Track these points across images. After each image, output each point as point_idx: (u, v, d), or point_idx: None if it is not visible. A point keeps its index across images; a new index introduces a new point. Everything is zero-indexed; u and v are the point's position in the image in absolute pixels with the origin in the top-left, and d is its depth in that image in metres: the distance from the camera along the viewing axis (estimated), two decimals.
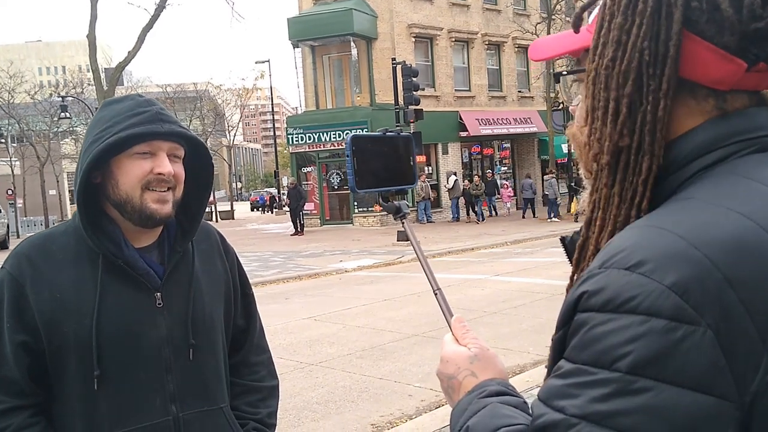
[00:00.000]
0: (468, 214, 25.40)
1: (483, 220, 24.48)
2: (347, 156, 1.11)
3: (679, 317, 0.63)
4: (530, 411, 0.77)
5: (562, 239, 0.95)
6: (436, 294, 1.08)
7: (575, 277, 0.85)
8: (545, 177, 25.53)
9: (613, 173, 0.78)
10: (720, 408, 0.63)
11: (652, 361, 0.63)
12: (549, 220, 22.76)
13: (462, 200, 25.05)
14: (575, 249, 0.86)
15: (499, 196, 26.71)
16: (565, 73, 0.91)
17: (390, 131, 1.19)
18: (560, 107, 25.99)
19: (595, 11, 0.83)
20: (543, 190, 26.34)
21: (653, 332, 0.63)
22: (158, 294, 1.51)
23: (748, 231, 0.67)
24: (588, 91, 0.81)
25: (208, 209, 1.51)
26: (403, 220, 1.16)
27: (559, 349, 0.73)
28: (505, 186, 27.46)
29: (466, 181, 25.66)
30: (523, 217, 25.02)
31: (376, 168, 1.16)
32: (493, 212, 26.42)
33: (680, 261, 0.65)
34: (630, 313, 0.65)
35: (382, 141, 1.18)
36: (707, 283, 0.64)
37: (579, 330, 0.69)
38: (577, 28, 0.86)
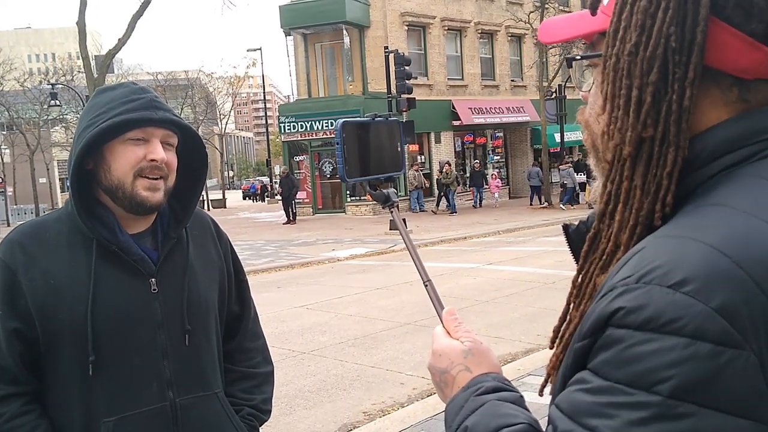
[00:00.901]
0: (437, 204, 24.25)
1: (455, 212, 23.41)
2: (337, 144, 1.09)
3: (725, 342, 0.61)
4: (531, 409, 0.75)
5: (565, 227, 0.92)
6: (426, 285, 1.06)
7: (585, 272, 0.81)
8: (561, 167, 24.40)
9: (634, 165, 0.75)
10: (758, 431, 0.61)
11: (696, 385, 0.61)
12: (563, 207, 22.85)
13: (458, 189, 25.00)
14: (583, 240, 0.83)
15: (486, 187, 26.16)
16: (578, 57, 0.87)
17: (379, 116, 1.16)
18: (553, 96, 25.98)
19: None
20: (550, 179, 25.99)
21: (698, 356, 0.61)
22: (153, 279, 1.51)
23: None
24: (607, 78, 0.77)
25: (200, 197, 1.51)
26: (392, 209, 1.14)
27: (581, 359, 0.70)
28: (494, 176, 26.70)
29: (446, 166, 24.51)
30: (531, 204, 25.12)
31: (364, 156, 1.13)
32: (479, 203, 25.68)
33: (726, 282, 0.63)
34: (673, 335, 0.62)
35: (370, 127, 1.15)
36: (753, 306, 0.62)
37: (613, 346, 0.65)
38: (595, 9, 0.81)
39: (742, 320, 0.61)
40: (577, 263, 0.84)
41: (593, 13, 0.82)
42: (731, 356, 0.61)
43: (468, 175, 27.30)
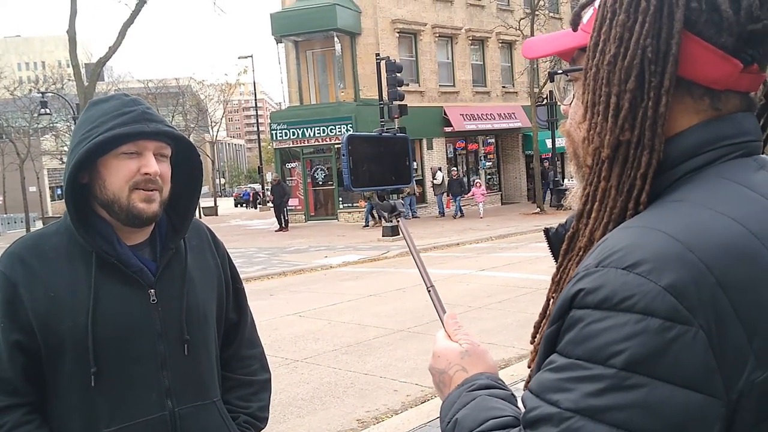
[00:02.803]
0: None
1: (411, 217, 22.32)
2: (343, 155, 1.13)
3: (674, 318, 0.66)
4: (520, 403, 0.79)
5: (546, 231, 0.98)
6: (429, 290, 1.10)
7: (563, 269, 0.86)
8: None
9: (611, 166, 0.80)
10: (709, 405, 0.65)
11: (646, 358, 0.65)
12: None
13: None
14: (561, 241, 0.88)
15: (465, 195, 24.57)
16: (560, 71, 0.92)
17: (386, 132, 1.23)
18: (544, 102, 26.12)
19: (590, 13, 0.85)
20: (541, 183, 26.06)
21: (648, 331, 0.66)
22: (152, 290, 1.53)
23: (740, 236, 0.70)
24: (587, 88, 0.82)
25: None
26: (399, 219, 1.18)
27: (551, 343, 0.74)
28: (477, 184, 24.98)
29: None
30: (551, 206, 24.74)
31: (371, 167, 1.18)
32: (459, 213, 24.05)
33: (676, 263, 0.67)
34: (626, 312, 0.67)
35: (378, 141, 1.21)
36: (701, 286, 0.66)
37: (574, 326, 0.70)
38: (576, 26, 0.87)
39: (690, 298, 0.66)
40: (557, 263, 0.89)
41: (574, 29, 0.87)
42: (679, 331, 0.65)
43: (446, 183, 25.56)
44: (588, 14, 0.86)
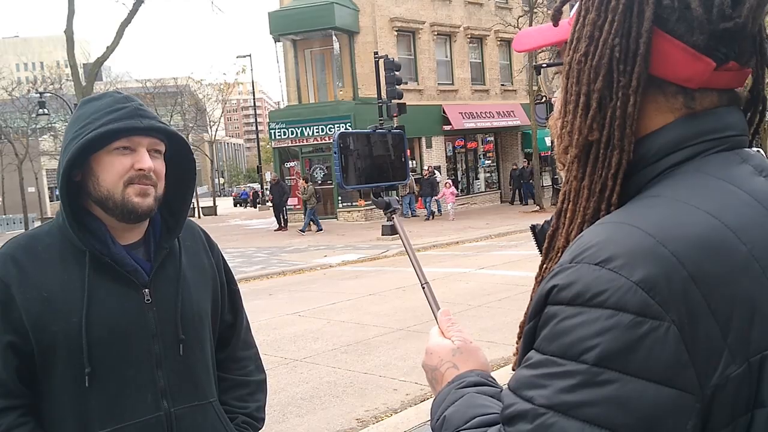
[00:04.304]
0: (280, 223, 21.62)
1: (321, 229, 21.04)
2: (334, 153, 1.12)
3: (645, 312, 0.65)
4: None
5: (533, 227, 0.98)
6: (423, 287, 1.09)
7: (544, 267, 0.86)
8: None
9: (583, 166, 0.79)
10: (682, 400, 0.65)
11: (618, 353, 0.65)
12: None
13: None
14: (545, 238, 0.88)
15: (437, 197, 23.32)
16: (545, 65, 0.92)
17: (380, 128, 1.20)
18: (543, 100, 26.10)
19: (576, 6, 0.84)
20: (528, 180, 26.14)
21: (620, 326, 0.65)
22: (146, 290, 1.52)
23: (713, 229, 0.69)
24: (563, 85, 0.82)
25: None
26: (393, 215, 1.17)
27: (529, 340, 0.74)
28: (447, 184, 23.25)
29: (301, 181, 21.84)
30: (551, 204, 24.44)
31: (365, 164, 1.17)
32: (431, 216, 23.00)
33: (648, 258, 0.67)
34: (598, 307, 0.67)
35: (371, 138, 1.19)
36: (673, 280, 0.66)
37: (549, 322, 0.71)
38: (556, 21, 0.87)
39: (662, 293, 0.65)
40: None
41: (555, 24, 0.87)
42: (651, 326, 0.65)
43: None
44: (575, 7, 0.85)
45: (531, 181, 26.52)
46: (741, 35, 0.76)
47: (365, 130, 1.19)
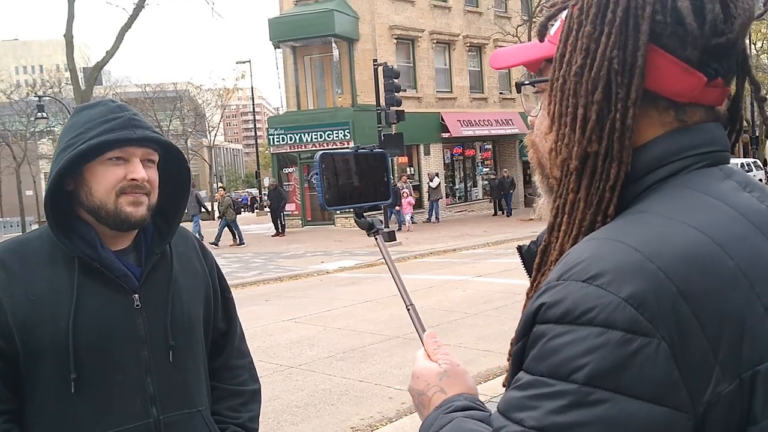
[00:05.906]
0: (234, 236, 20.25)
1: (243, 243, 20.16)
2: (316, 174, 1.12)
3: (635, 329, 0.64)
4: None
5: (519, 249, 0.97)
6: (408, 309, 1.08)
7: (537, 284, 0.85)
8: None
9: (580, 178, 0.79)
10: (674, 419, 0.64)
11: (609, 372, 0.64)
12: None
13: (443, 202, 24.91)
14: (534, 256, 0.87)
15: (399, 208, 21.87)
16: (527, 82, 0.91)
17: (363, 148, 1.20)
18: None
19: (557, 24, 0.85)
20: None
21: (609, 344, 0.64)
22: (136, 295, 1.50)
23: (701, 244, 0.69)
24: (554, 99, 0.82)
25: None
26: (377, 237, 1.16)
27: (519, 360, 0.73)
28: (405, 194, 21.78)
29: (219, 192, 20.09)
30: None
31: (348, 185, 1.17)
32: (398, 227, 21.45)
33: (636, 274, 0.66)
34: (587, 325, 0.66)
35: (353, 158, 1.19)
36: (662, 296, 0.65)
37: (537, 342, 0.69)
38: (543, 36, 0.87)
39: (651, 309, 0.64)
40: (530, 279, 0.88)
41: (541, 39, 0.87)
42: (641, 343, 0.64)
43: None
44: (555, 26, 0.85)
45: (511, 191, 26.21)
46: (731, 51, 0.77)
47: (347, 151, 1.19)
